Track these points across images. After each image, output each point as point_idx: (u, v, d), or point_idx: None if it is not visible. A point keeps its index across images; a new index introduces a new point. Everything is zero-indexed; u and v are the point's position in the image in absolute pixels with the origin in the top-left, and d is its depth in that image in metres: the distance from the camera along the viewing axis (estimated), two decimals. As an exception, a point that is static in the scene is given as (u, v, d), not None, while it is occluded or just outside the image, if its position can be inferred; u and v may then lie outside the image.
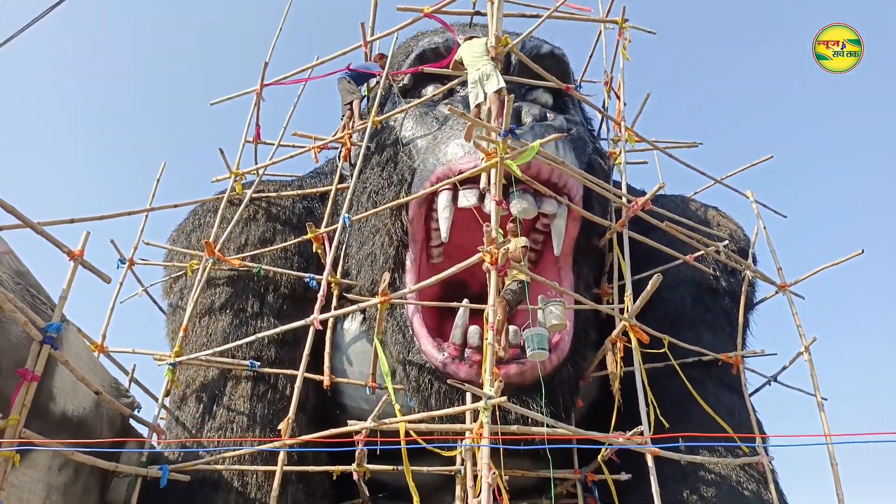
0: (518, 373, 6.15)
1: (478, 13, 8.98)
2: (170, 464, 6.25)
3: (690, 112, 28.50)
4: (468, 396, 5.72)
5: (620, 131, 8.65)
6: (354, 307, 6.96)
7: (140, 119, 27.89)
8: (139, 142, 27.35)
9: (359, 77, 8.95)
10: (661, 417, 6.54)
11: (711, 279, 8.25)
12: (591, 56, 10.38)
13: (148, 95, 28.15)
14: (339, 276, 7.49)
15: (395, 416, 6.00)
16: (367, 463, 6.00)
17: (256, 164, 9.20)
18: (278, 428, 6.31)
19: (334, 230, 7.46)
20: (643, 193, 7.93)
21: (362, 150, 7.89)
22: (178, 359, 6.94)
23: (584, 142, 7.79)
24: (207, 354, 7.01)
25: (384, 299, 6.33)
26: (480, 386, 5.41)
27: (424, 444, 5.54)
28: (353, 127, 8.42)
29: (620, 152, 8.51)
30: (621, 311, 6.93)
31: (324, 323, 6.92)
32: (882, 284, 23.27)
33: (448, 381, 5.92)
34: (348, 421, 6.08)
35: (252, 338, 7.03)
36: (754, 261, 8.57)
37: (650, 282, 6.17)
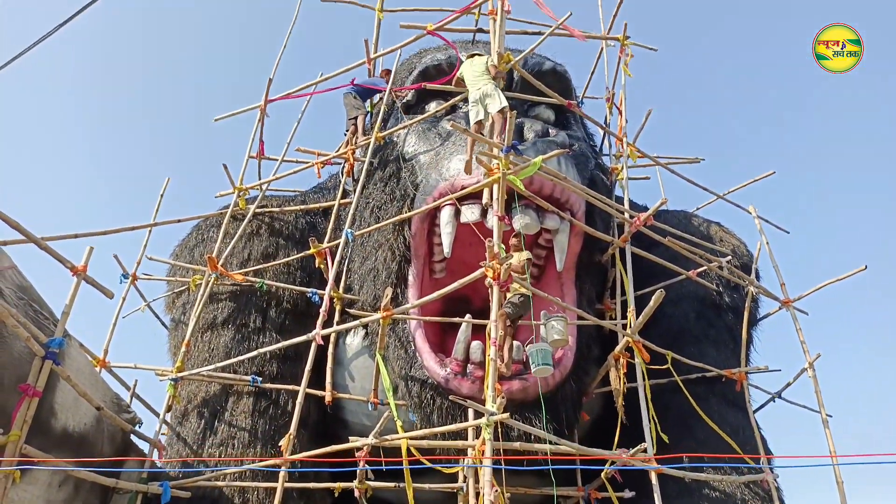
0: (521, 389, 6.12)
1: (480, 30, 9.04)
2: (170, 480, 6.22)
3: (692, 127, 28.62)
4: (470, 413, 5.69)
5: (622, 147, 8.67)
6: (356, 322, 6.95)
7: (145, 134, 28.10)
8: (143, 157, 27.55)
9: (364, 92, 9.01)
10: (661, 434, 6.49)
11: (714, 295, 8.23)
12: (592, 72, 10.45)
13: (152, 111, 28.37)
14: (341, 291, 7.49)
15: (397, 433, 5.98)
16: (369, 479, 5.96)
17: (260, 179, 9.25)
18: (279, 444, 6.28)
19: (337, 245, 7.47)
20: (645, 209, 7.94)
21: (365, 166, 7.92)
22: (179, 374, 6.92)
23: (587, 157, 7.82)
24: (209, 370, 6.99)
25: (386, 314, 6.32)
26: (483, 402, 5.38)
27: (427, 463, 5.50)
28: (356, 142, 8.47)
29: (622, 168, 8.53)
30: (624, 326, 6.91)
31: (326, 338, 6.91)
32: (885, 300, 23.19)
33: (450, 398, 5.89)
34: (350, 437, 6.06)
35: (254, 353, 7.01)
36: (757, 276, 8.55)
37: (653, 297, 6.16)
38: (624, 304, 7.38)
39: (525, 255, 6.28)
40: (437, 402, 6.42)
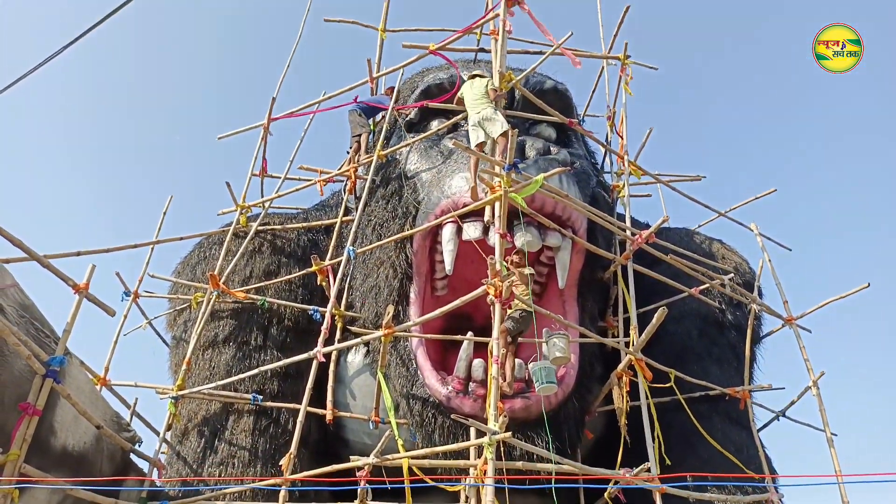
0: (523, 407, 6.09)
1: (482, 50, 9.13)
2: (170, 500, 6.17)
3: (693, 145, 28.73)
4: (472, 431, 5.65)
5: (624, 165, 8.71)
6: (358, 340, 6.92)
7: (147, 152, 28.26)
8: (146, 175, 27.68)
9: (369, 110, 9.07)
10: (664, 455, 6.43)
11: (717, 312, 8.19)
12: (593, 91, 10.53)
13: (156, 129, 28.56)
14: (343, 308, 7.48)
15: (399, 451, 5.93)
16: (370, 499, 5.90)
17: (263, 196, 9.28)
18: (280, 463, 6.23)
19: (339, 263, 7.48)
20: (647, 226, 7.95)
21: (367, 184, 7.94)
22: (180, 392, 6.90)
23: (588, 175, 7.84)
24: (210, 388, 6.97)
25: (388, 332, 6.30)
26: (485, 420, 5.35)
27: (429, 482, 5.46)
28: (359, 160, 8.51)
29: (624, 185, 8.55)
30: (626, 344, 6.88)
31: (327, 356, 6.89)
32: (889, 317, 23.10)
33: (452, 416, 5.85)
34: (351, 456, 6.01)
35: (255, 371, 6.99)
36: (760, 294, 8.52)
37: (655, 315, 6.13)
38: (626, 322, 7.36)
39: (527, 269, 6.28)
40: (438, 421, 6.38)
